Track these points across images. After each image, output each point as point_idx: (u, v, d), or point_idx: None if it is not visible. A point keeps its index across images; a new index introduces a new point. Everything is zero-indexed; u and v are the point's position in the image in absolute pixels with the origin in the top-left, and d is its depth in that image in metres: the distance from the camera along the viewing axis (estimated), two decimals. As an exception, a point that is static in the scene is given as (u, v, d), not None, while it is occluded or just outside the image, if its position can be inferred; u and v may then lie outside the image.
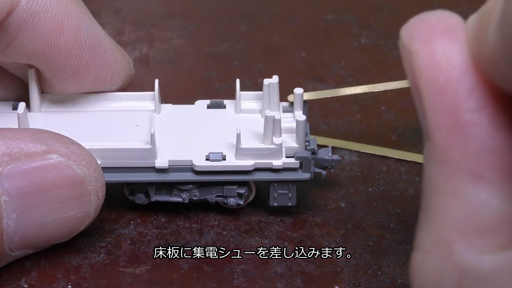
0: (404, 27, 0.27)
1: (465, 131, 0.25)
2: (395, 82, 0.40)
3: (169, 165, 0.38)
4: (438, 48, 0.25)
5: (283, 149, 0.38)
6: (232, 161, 0.38)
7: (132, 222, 0.39)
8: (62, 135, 0.35)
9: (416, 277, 0.27)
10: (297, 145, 0.38)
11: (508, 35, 0.22)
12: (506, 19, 0.22)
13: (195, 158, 0.38)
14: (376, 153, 0.44)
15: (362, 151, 0.44)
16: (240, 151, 0.38)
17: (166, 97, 0.42)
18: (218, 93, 0.49)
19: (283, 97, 0.40)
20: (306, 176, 0.38)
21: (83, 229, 0.36)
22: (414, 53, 0.26)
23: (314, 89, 0.50)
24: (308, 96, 0.41)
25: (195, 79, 0.51)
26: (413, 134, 0.46)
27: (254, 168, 0.38)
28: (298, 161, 0.38)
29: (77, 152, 0.35)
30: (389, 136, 0.46)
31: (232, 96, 0.41)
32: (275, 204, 0.39)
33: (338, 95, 0.41)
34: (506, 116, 0.25)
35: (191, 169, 0.38)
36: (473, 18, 0.26)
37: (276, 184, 0.38)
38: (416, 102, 0.27)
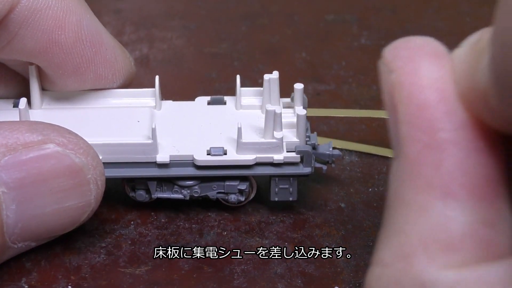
0: (388, 47, 0.27)
1: (440, 148, 0.25)
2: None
3: (170, 160, 0.37)
4: (423, 68, 0.26)
5: (284, 143, 0.38)
6: (233, 156, 0.38)
7: (132, 222, 0.39)
8: (58, 125, 0.35)
9: None
10: (298, 140, 0.38)
11: (502, 74, 0.22)
12: (497, 56, 0.22)
13: (196, 153, 0.38)
14: (376, 153, 0.44)
15: (362, 151, 0.44)
16: (241, 146, 0.37)
17: (167, 97, 0.42)
18: (218, 93, 0.49)
19: (283, 96, 0.40)
20: (307, 170, 0.38)
21: (84, 219, 0.36)
22: (396, 70, 0.26)
23: (314, 89, 0.50)
24: (311, 112, 0.41)
25: (195, 79, 0.51)
26: (413, 135, 0.46)
27: (255, 162, 0.38)
28: (299, 155, 0.38)
29: (74, 141, 0.34)
30: (389, 136, 0.46)
31: (232, 96, 0.41)
32: (276, 199, 0.39)
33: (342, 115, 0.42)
34: (482, 139, 0.25)
35: (192, 163, 0.38)
36: (461, 51, 0.26)
37: (277, 178, 0.38)
38: (389, 117, 0.27)
